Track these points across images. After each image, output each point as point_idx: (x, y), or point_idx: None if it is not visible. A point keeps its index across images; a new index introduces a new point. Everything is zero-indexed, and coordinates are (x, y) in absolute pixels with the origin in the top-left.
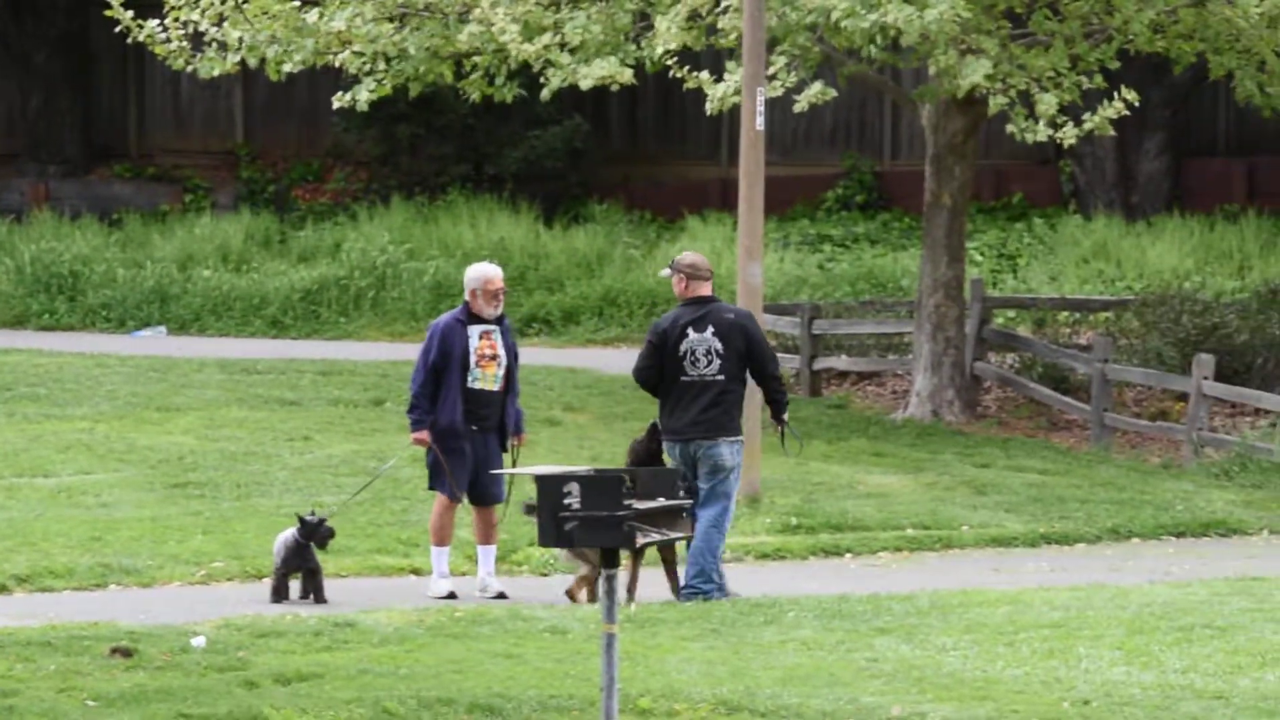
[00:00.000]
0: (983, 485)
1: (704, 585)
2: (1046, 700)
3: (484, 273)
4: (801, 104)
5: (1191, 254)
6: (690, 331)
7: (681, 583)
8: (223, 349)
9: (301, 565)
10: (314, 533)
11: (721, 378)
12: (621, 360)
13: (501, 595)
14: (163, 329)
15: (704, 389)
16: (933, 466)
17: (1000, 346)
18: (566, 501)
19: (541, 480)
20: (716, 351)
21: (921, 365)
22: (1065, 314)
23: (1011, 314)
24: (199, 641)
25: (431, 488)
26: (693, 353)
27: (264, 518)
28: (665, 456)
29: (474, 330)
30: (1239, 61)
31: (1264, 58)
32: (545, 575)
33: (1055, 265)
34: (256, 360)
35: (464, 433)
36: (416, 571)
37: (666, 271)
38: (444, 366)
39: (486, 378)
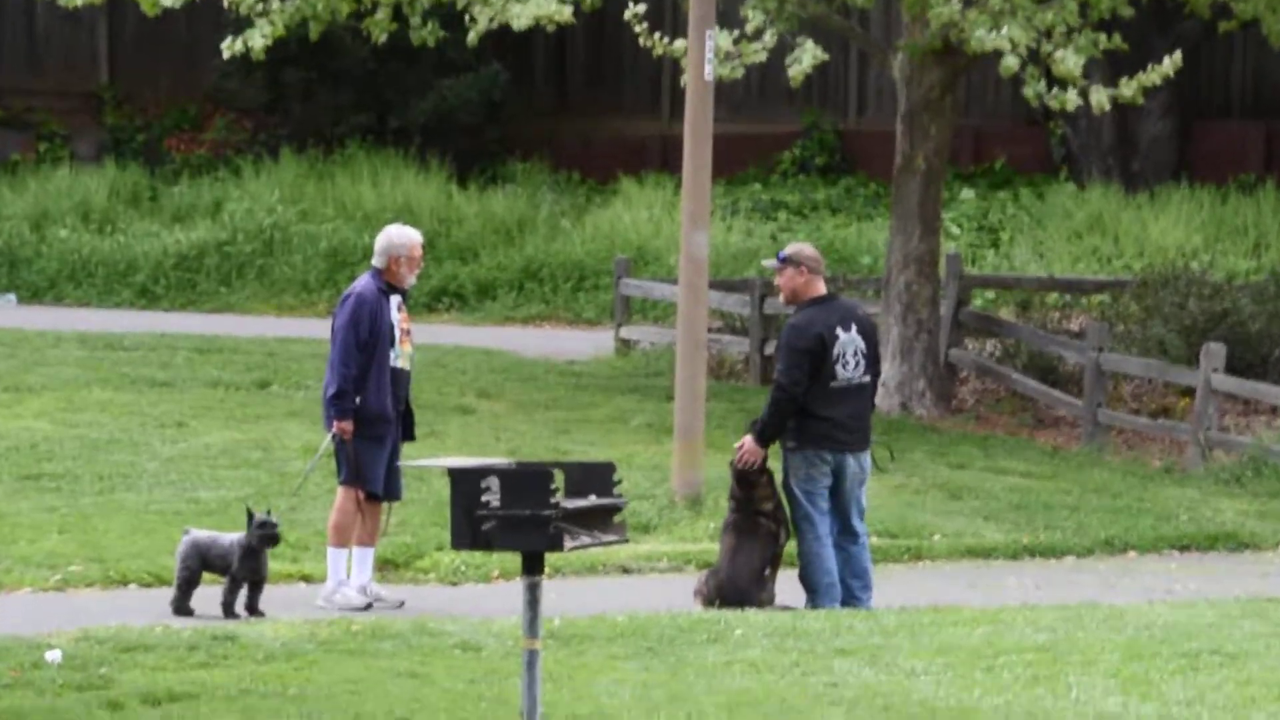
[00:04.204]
0: (958, 489)
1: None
2: None
3: (410, 237)
4: (796, 76)
5: (1200, 229)
6: (839, 332)
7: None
8: (83, 321)
9: (255, 573)
10: (269, 536)
11: (868, 379)
12: (544, 341)
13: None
14: (12, 297)
15: (855, 393)
16: (902, 467)
17: (979, 331)
18: (485, 499)
19: (456, 474)
20: (862, 352)
21: (889, 351)
22: (1054, 296)
23: (992, 295)
24: (54, 656)
25: (346, 481)
26: (843, 355)
27: (130, 515)
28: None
29: (393, 301)
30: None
31: None
32: (455, 584)
33: (1043, 240)
34: (123, 335)
35: (392, 419)
36: (307, 578)
37: (773, 263)
38: (374, 344)
39: (405, 355)
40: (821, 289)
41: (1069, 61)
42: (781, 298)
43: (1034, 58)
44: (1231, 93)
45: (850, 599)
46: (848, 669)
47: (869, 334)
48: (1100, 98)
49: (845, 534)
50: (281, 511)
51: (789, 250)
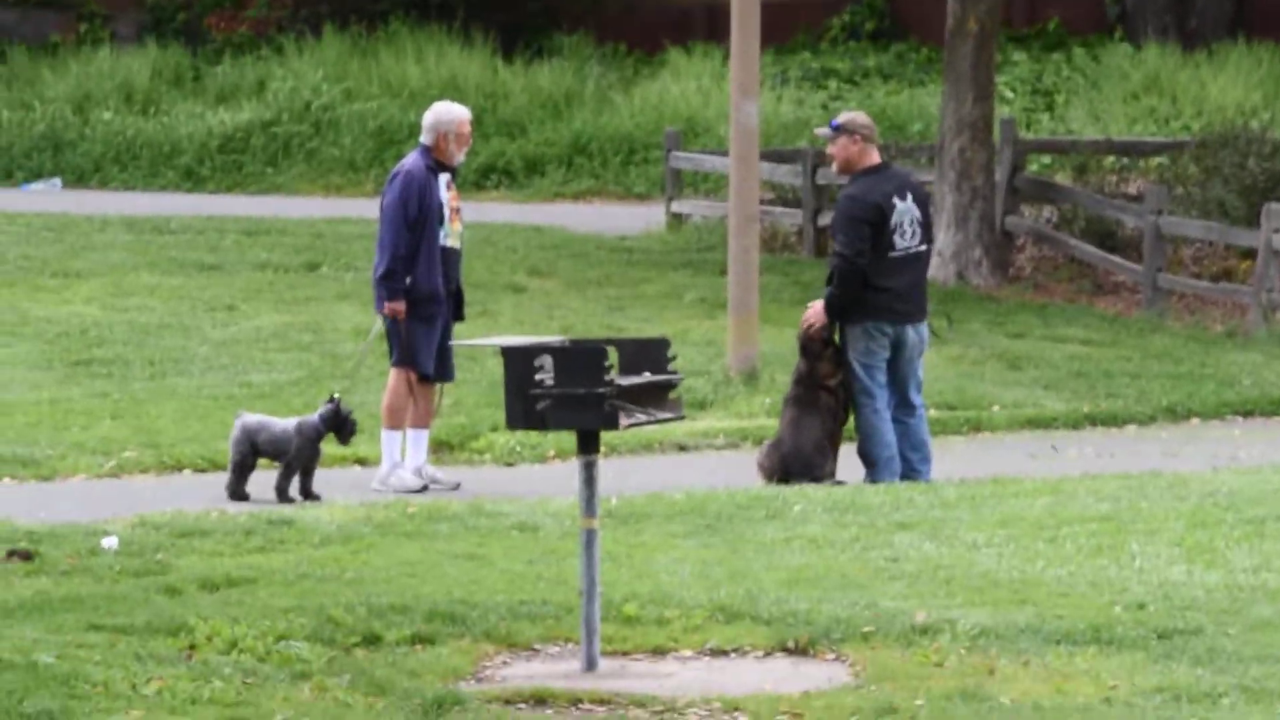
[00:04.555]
0: (1016, 358)
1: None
2: (1095, 604)
3: (458, 113)
4: None
5: (1259, 86)
6: (896, 201)
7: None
8: (129, 204)
9: (313, 458)
10: (343, 423)
11: (924, 248)
12: (594, 217)
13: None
14: (57, 181)
15: (912, 261)
16: (959, 337)
17: (1035, 197)
18: (538, 378)
19: (509, 353)
20: (918, 221)
21: (944, 220)
22: (1111, 159)
23: (1048, 160)
24: (110, 542)
25: (399, 363)
26: (901, 224)
27: (182, 400)
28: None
29: (442, 179)
30: None
31: None
32: (510, 465)
33: (1099, 102)
34: (169, 218)
35: (443, 299)
36: (361, 461)
37: (826, 131)
38: (423, 223)
39: (455, 234)
40: (876, 158)
41: None
42: (834, 167)
43: None
44: None
45: (910, 471)
46: (908, 543)
47: (923, 203)
48: None
49: (903, 407)
50: (337, 394)
51: (842, 118)
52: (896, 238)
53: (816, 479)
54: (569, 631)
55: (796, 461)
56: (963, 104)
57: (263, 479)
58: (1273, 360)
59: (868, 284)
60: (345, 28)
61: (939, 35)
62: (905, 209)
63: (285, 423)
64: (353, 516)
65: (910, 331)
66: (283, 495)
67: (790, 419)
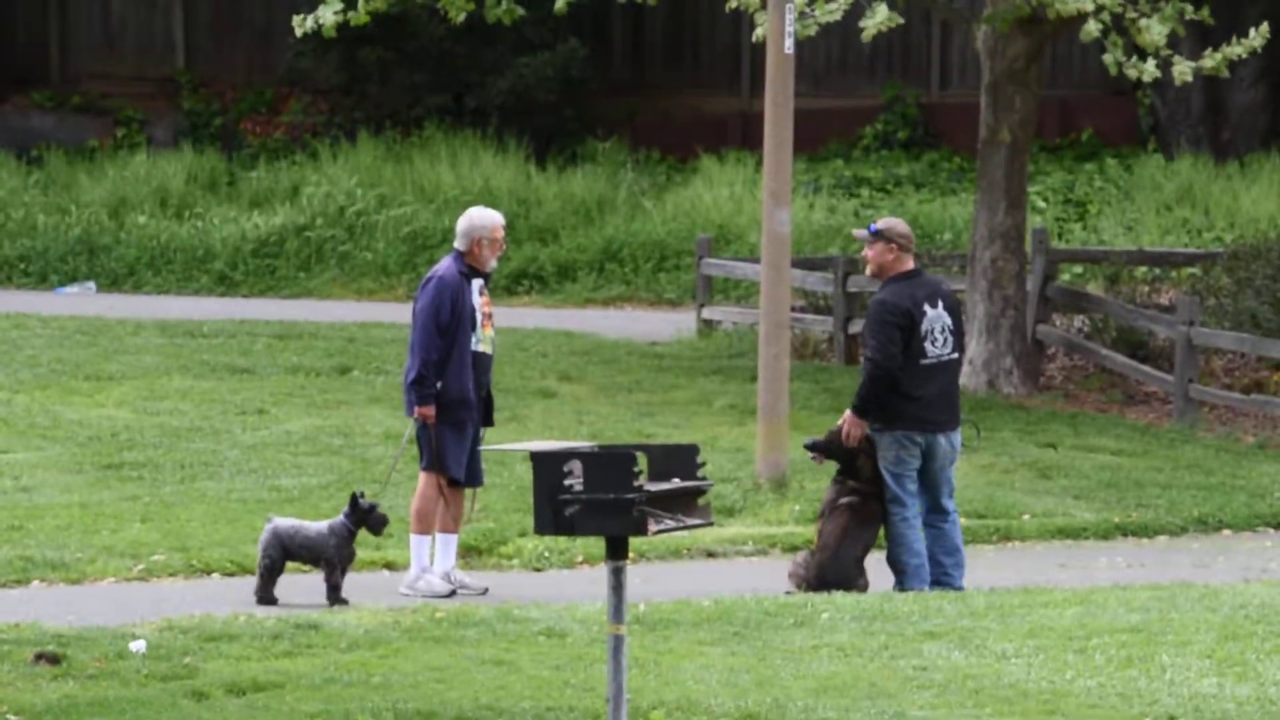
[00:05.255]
0: (1047, 468)
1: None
2: (1125, 716)
3: (492, 219)
4: (869, 33)
5: None
6: (927, 308)
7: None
8: (162, 308)
9: (350, 558)
10: (368, 518)
11: (956, 356)
12: (625, 323)
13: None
14: (92, 285)
15: (944, 369)
16: (989, 446)
17: (1067, 307)
18: (567, 483)
19: (538, 458)
20: (949, 329)
21: (975, 328)
22: (1143, 269)
23: (1080, 269)
24: (138, 646)
25: (428, 467)
26: (932, 331)
27: (212, 503)
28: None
29: (475, 285)
30: None
31: None
32: (538, 570)
33: (1132, 213)
34: (202, 322)
35: (473, 404)
36: (390, 566)
37: (864, 234)
38: (455, 327)
39: (486, 339)
40: (910, 265)
41: (1153, 30)
42: (868, 270)
43: (1118, 25)
44: None
45: (943, 576)
46: (937, 652)
47: (954, 310)
48: (1183, 69)
49: (935, 512)
50: (357, 490)
51: (882, 224)
52: (928, 345)
53: (851, 590)
54: None
55: (835, 573)
56: (995, 213)
57: (290, 582)
58: None
59: (899, 391)
60: (380, 133)
61: (971, 144)
62: (936, 316)
63: (318, 525)
64: (380, 621)
65: (942, 440)
66: (335, 596)
67: (838, 528)
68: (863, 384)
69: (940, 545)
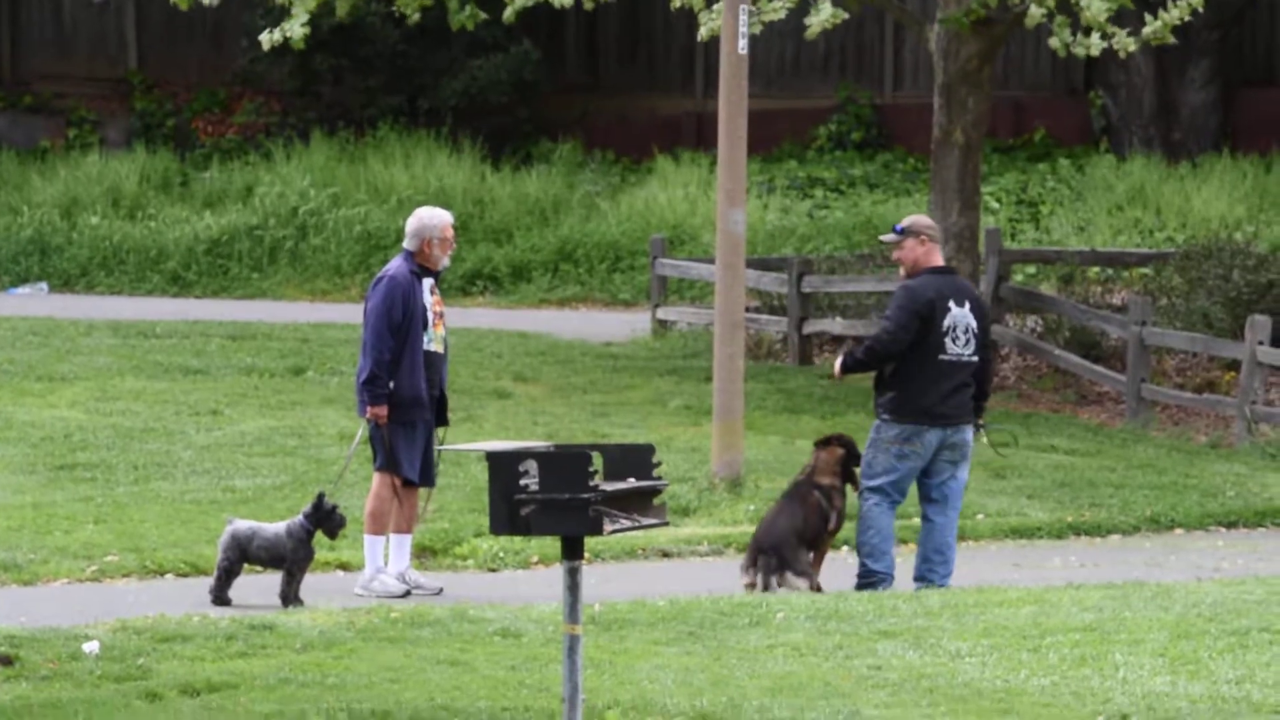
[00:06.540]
0: (1000, 468)
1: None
2: (1078, 714)
3: (441, 218)
4: (813, 30)
5: (1243, 199)
6: (952, 305)
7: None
8: (115, 309)
9: (308, 559)
10: (327, 517)
11: (976, 358)
12: (580, 323)
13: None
14: (44, 285)
15: (960, 369)
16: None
17: (1020, 307)
18: (523, 483)
19: (493, 458)
20: (973, 330)
21: None
22: (1096, 269)
23: (1033, 270)
24: (91, 647)
25: (382, 468)
26: (954, 329)
27: (166, 504)
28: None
29: (426, 284)
30: None
31: None
32: (494, 570)
33: (1084, 213)
34: (155, 322)
35: (426, 403)
36: (344, 566)
37: (892, 236)
38: (407, 327)
39: (438, 338)
40: (939, 260)
41: (1093, 8)
42: (902, 271)
43: (1065, 9)
44: (1275, 60)
45: (928, 573)
46: (892, 651)
47: (982, 315)
48: (1125, 41)
49: (935, 507)
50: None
51: (906, 222)
52: (949, 341)
53: (786, 563)
54: None
55: (766, 538)
56: (949, 214)
57: (245, 583)
58: (1256, 472)
59: (913, 386)
60: (333, 134)
61: (925, 145)
62: (961, 315)
63: (276, 527)
64: (335, 621)
65: (947, 435)
66: (289, 600)
67: (775, 507)
68: (862, 349)
69: (930, 542)
